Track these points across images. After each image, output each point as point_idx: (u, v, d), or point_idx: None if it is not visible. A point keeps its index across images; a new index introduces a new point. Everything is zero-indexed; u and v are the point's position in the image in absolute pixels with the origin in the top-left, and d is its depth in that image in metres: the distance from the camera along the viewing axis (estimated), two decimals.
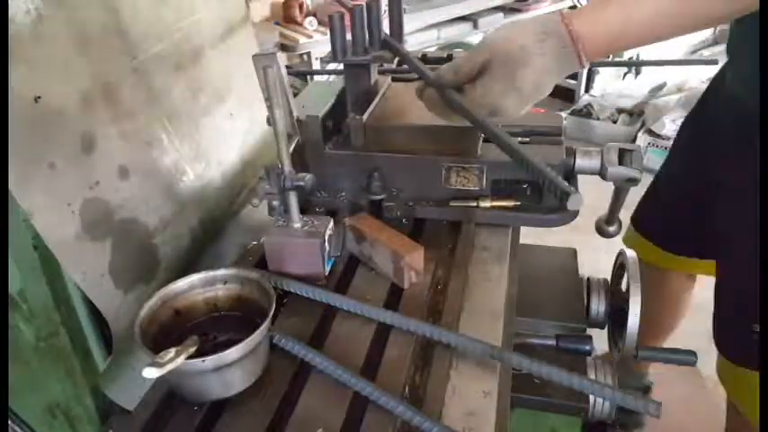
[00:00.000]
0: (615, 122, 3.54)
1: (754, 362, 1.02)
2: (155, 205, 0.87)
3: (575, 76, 3.84)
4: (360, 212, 0.96)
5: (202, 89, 1.00)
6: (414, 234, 0.95)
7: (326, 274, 0.86)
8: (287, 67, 0.87)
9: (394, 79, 1.16)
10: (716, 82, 1.26)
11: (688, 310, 1.68)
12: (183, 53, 0.95)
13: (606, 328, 1.17)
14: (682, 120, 1.44)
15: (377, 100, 1.03)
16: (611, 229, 1.11)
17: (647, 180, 1.22)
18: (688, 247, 1.41)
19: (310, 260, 0.84)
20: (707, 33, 4.20)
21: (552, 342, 1.03)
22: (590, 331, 1.11)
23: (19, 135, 0.64)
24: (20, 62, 0.64)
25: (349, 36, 0.97)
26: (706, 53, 4.19)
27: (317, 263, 0.84)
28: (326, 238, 0.84)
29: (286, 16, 3.04)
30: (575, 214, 0.93)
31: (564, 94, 3.93)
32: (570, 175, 0.96)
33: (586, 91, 3.89)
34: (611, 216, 1.09)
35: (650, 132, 3.23)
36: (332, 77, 1.66)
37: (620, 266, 1.19)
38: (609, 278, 1.20)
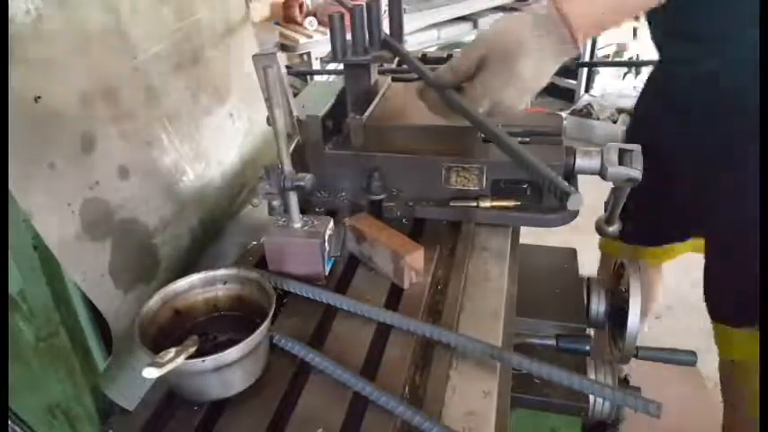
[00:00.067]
0: (615, 122, 3.54)
1: (755, 319, 1.01)
2: (155, 205, 0.87)
3: (575, 76, 3.85)
4: (360, 212, 0.96)
5: (202, 89, 1.00)
6: (414, 234, 0.95)
7: (326, 274, 0.86)
8: (287, 67, 0.87)
9: (394, 79, 1.16)
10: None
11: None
12: (183, 53, 0.95)
13: (606, 328, 1.17)
14: None
15: (377, 100, 1.04)
16: (611, 229, 1.11)
17: None
18: (658, 236, 1.40)
19: (310, 260, 0.84)
20: None
21: (552, 342, 1.02)
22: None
23: (19, 135, 0.64)
24: (20, 62, 0.64)
25: (349, 36, 0.97)
26: None
27: (317, 263, 0.84)
28: (326, 238, 0.84)
29: (286, 16, 3.04)
30: (575, 214, 0.93)
31: (564, 94, 3.94)
32: (570, 175, 0.96)
33: (586, 91, 3.90)
34: (611, 216, 1.09)
35: None
36: (332, 77, 1.66)
37: (620, 266, 1.19)
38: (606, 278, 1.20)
